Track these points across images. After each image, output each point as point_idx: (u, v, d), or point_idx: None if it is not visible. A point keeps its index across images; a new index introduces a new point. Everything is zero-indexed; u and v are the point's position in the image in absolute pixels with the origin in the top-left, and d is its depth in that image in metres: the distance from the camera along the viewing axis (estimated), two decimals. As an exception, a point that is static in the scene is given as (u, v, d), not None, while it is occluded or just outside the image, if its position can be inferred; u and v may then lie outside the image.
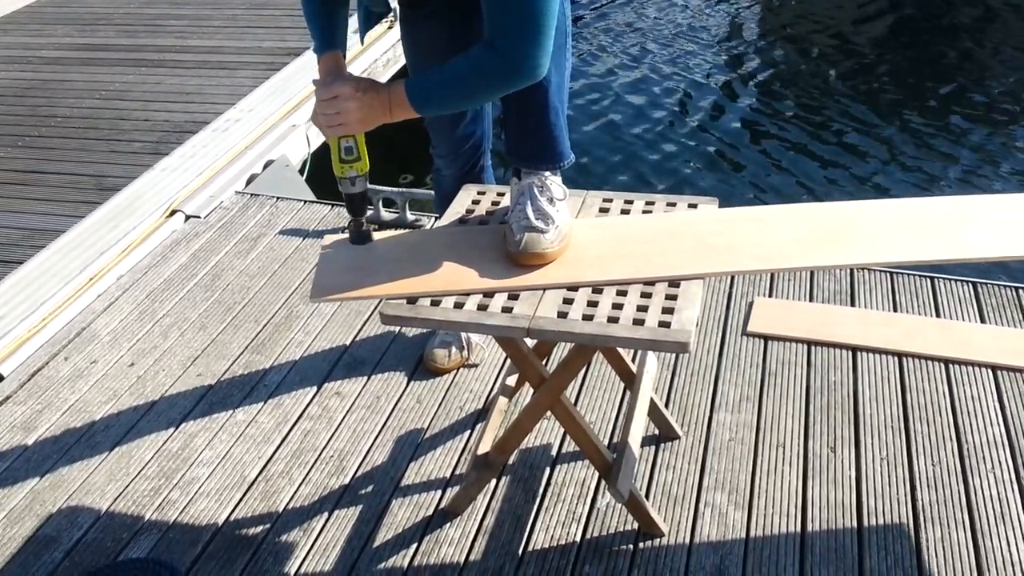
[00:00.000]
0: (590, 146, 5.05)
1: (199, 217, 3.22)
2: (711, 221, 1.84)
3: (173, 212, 3.23)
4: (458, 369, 2.41)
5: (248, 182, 3.50)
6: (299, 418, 2.28)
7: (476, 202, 2.00)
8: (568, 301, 1.66)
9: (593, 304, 1.65)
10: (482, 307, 1.66)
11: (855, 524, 1.92)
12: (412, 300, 1.68)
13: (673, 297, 1.65)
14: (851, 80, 5.62)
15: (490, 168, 2.28)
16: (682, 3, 7.11)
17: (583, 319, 1.62)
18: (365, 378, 2.41)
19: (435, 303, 1.68)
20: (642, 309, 1.63)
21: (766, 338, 2.47)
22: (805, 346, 2.43)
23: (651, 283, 1.67)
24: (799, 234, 1.75)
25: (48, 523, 2.03)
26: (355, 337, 2.56)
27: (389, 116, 1.64)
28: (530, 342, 1.90)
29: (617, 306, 1.64)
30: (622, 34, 6.61)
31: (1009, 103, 5.27)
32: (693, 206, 1.93)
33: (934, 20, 6.36)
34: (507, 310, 1.65)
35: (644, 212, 1.93)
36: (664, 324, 1.59)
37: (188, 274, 2.90)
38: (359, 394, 2.35)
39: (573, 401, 2.27)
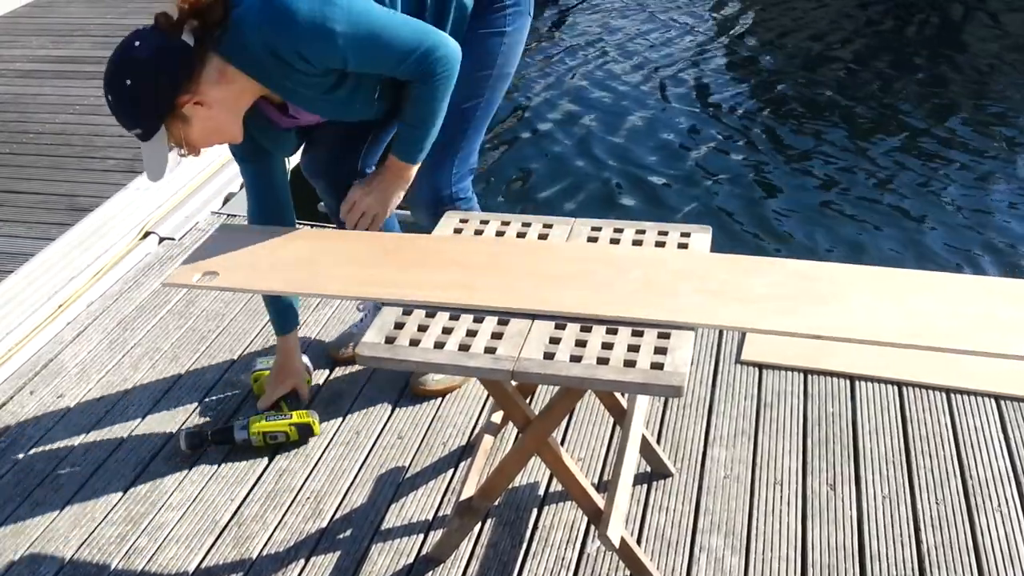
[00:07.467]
0: (573, 169, 4.96)
1: (174, 239, 3.11)
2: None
3: (147, 234, 3.12)
4: (443, 398, 2.31)
5: (225, 201, 3.39)
6: (274, 456, 2.17)
7: (458, 231, 1.91)
8: (555, 341, 1.57)
9: (581, 344, 1.55)
10: (463, 347, 1.57)
11: (858, 569, 1.82)
12: (390, 339, 1.59)
13: (666, 336, 1.56)
14: (846, 109, 5.49)
15: (473, 194, 2.19)
16: (674, 24, 7.01)
17: (570, 360, 1.53)
18: (344, 412, 2.30)
19: (414, 343, 1.59)
20: (633, 349, 1.54)
21: (761, 367, 2.38)
22: (801, 375, 2.34)
23: (639, 329, 1.58)
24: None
25: (8, 573, 1.91)
26: (333, 369, 2.46)
27: (404, 183, 1.97)
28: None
29: (607, 346, 1.55)
30: (606, 52, 6.53)
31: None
32: (686, 235, 1.85)
33: (942, 55, 6.23)
34: (490, 351, 1.56)
35: (635, 241, 1.84)
36: (656, 365, 1.50)
37: (161, 300, 2.79)
38: (337, 430, 2.25)
39: (561, 438, 2.17)
